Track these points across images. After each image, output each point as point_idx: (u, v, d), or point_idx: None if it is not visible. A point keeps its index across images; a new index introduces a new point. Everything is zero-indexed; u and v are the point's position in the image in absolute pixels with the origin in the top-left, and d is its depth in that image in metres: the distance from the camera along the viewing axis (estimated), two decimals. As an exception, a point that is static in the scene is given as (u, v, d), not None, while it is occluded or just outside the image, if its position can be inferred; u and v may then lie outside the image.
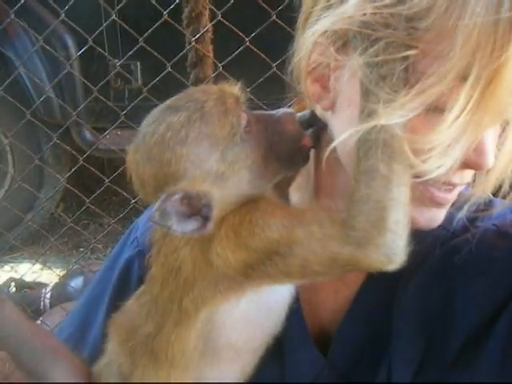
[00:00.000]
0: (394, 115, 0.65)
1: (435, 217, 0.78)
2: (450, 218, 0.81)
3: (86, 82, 2.38)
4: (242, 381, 0.82)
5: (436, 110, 0.66)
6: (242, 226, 0.70)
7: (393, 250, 0.66)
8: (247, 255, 0.70)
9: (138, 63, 3.31)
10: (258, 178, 0.74)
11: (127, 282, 0.99)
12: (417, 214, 0.76)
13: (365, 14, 0.66)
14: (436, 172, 0.68)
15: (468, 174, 0.76)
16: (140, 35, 2.04)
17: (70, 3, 2.22)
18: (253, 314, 0.78)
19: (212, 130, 0.72)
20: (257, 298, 0.76)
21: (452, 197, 0.77)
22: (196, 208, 0.69)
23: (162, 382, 0.81)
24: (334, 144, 0.72)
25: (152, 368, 0.80)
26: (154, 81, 1.90)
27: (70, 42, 3.26)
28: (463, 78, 0.63)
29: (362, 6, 0.67)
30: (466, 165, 0.71)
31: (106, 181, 2.16)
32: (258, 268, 0.70)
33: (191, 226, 0.69)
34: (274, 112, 0.79)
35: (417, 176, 0.68)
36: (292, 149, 0.77)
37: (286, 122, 0.78)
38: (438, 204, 0.76)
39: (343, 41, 0.72)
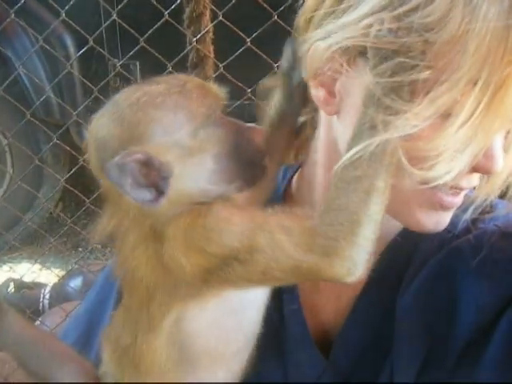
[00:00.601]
0: (407, 126, 0.65)
1: (442, 220, 0.79)
2: (453, 219, 0.81)
3: (85, 81, 2.37)
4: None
5: (444, 114, 0.66)
6: (194, 229, 0.68)
7: (356, 265, 0.66)
8: (203, 260, 0.67)
9: (138, 63, 3.30)
10: (218, 172, 0.72)
11: None
12: (424, 217, 0.77)
13: (380, 30, 0.65)
14: (445, 178, 0.68)
15: (475, 178, 0.76)
16: (140, 35, 2.04)
17: (70, 3, 2.21)
18: (225, 318, 0.76)
19: (189, 105, 0.70)
20: (225, 302, 0.74)
21: (459, 200, 0.77)
22: (154, 179, 0.67)
23: (161, 382, 0.80)
24: (345, 158, 0.68)
25: (137, 378, 0.79)
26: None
27: (69, 41, 3.25)
28: (473, 83, 0.63)
29: (371, 19, 0.67)
30: (475, 169, 0.72)
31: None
32: (215, 273, 0.68)
33: (144, 195, 0.67)
34: (247, 124, 0.78)
35: (425, 182, 0.69)
36: (253, 158, 0.76)
37: (256, 134, 0.77)
38: (446, 208, 0.77)
39: (355, 54, 0.71)
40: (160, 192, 0.68)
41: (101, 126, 0.72)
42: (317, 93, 0.77)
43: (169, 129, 0.69)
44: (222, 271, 0.67)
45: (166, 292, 0.72)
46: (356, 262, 0.66)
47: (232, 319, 0.77)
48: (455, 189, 0.75)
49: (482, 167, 0.72)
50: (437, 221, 0.78)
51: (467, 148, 0.66)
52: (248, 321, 0.79)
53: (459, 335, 0.81)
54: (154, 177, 0.67)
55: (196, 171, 0.71)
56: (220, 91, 0.76)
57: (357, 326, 0.88)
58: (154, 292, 0.72)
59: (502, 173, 0.75)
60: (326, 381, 0.88)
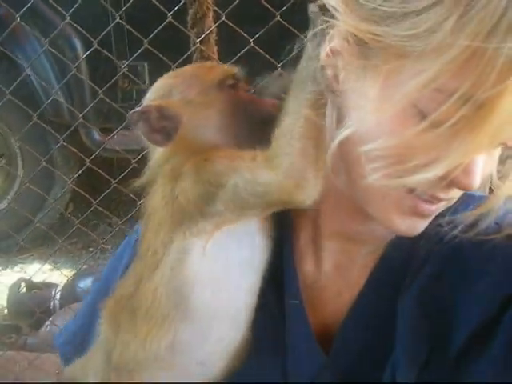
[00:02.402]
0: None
1: (416, 226, 0.78)
2: (454, 217, 0.80)
3: (91, 84, 2.38)
4: (222, 354, 0.83)
5: (419, 114, 0.67)
6: (201, 162, 0.78)
7: (303, 176, 0.73)
8: (201, 188, 0.77)
9: (146, 64, 3.33)
10: (223, 129, 0.83)
11: None
12: (398, 220, 0.76)
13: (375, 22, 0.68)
14: (409, 182, 0.69)
15: (453, 191, 0.75)
16: (147, 36, 2.06)
17: (78, 5, 2.23)
18: (223, 271, 0.80)
19: (201, 73, 0.86)
20: (224, 253, 0.80)
21: (436, 209, 0.77)
22: (165, 126, 0.81)
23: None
24: (336, 141, 0.74)
25: (131, 330, 0.82)
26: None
27: (78, 43, 3.28)
28: (449, 93, 0.63)
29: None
30: (452, 183, 0.71)
31: (113, 182, 2.17)
32: (210, 203, 0.76)
33: (155, 137, 0.81)
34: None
35: (393, 179, 0.69)
36: (259, 123, 0.83)
37: (267, 105, 0.86)
38: (420, 214, 0.76)
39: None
40: (168, 137, 0.81)
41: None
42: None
43: (182, 90, 0.83)
44: (214, 200, 0.76)
45: (170, 225, 0.80)
46: (302, 171, 0.73)
47: (230, 275, 0.81)
48: (433, 198, 0.74)
49: (458, 181, 0.71)
50: (410, 225, 0.77)
51: (440, 159, 0.66)
52: (246, 282, 0.82)
53: (460, 333, 0.80)
54: (166, 124, 0.80)
55: (201, 124, 0.82)
56: (234, 68, 0.87)
57: (357, 325, 0.88)
58: (161, 227, 0.80)
59: None
60: (325, 377, 0.88)
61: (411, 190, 0.72)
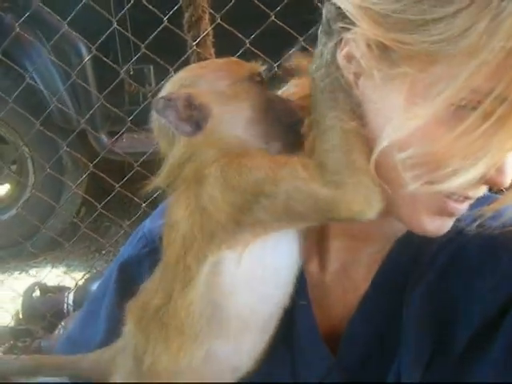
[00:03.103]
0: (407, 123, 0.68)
1: (444, 225, 0.78)
2: (460, 217, 0.80)
3: (93, 90, 2.40)
4: (251, 360, 0.82)
5: (455, 116, 0.67)
6: (231, 167, 0.74)
7: (369, 190, 0.70)
8: (235, 196, 0.73)
9: (151, 67, 3.34)
10: (253, 124, 0.78)
11: (130, 276, 0.99)
12: (427, 221, 0.77)
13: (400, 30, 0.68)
14: (450, 186, 0.69)
15: (482, 189, 0.76)
16: (153, 39, 2.06)
17: (81, 10, 2.25)
18: (256, 281, 0.78)
19: (230, 66, 0.83)
20: (258, 262, 0.77)
21: (464, 207, 0.77)
22: (194, 116, 0.77)
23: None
24: (375, 153, 0.72)
25: (163, 341, 0.80)
26: (160, 84, 1.91)
27: (83, 48, 3.31)
28: (485, 95, 0.64)
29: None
30: (484, 181, 0.72)
31: (117, 186, 2.19)
32: (247, 212, 0.73)
33: (183, 127, 0.77)
34: None
35: (431, 188, 0.70)
36: (289, 121, 0.81)
37: (291, 103, 0.83)
38: (450, 214, 0.77)
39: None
40: (198, 127, 0.77)
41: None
42: None
43: (211, 81, 0.80)
44: (251, 209, 0.72)
45: (202, 239, 0.76)
46: (368, 187, 0.70)
47: (264, 285, 0.79)
48: (461, 197, 0.75)
49: (490, 179, 0.72)
50: (439, 225, 0.78)
51: (478, 160, 0.66)
52: (277, 290, 0.80)
53: (464, 333, 0.80)
54: (195, 114, 0.77)
55: (232, 116, 0.78)
56: (261, 66, 0.85)
57: (364, 324, 0.88)
58: (192, 242, 0.76)
59: None
60: (332, 377, 0.88)
61: (448, 195, 0.73)
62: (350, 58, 0.74)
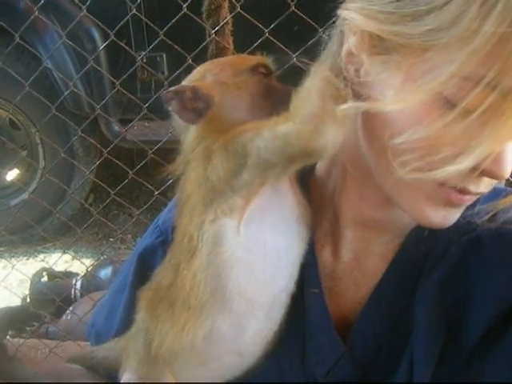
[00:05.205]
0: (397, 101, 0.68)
1: (449, 217, 0.77)
2: (474, 209, 0.80)
3: (108, 76, 2.39)
4: (256, 348, 0.83)
5: (446, 104, 0.66)
6: (230, 138, 0.79)
7: (334, 128, 0.71)
8: (230, 162, 0.77)
9: (164, 55, 3.33)
10: (255, 109, 0.83)
11: (146, 266, 1.00)
12: (431, 212, 0.76)
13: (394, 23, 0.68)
14: (442, 175, 0.67)
15: (485, 183, 0.75)
16: (165, 27, 2.06)
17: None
18: (256, 256, 0.79)
19: (235, 59, 0.90)
20: (257, 236, 0.79)
21: (468, 199, 0.76)
22: (197, 106, 0.83)
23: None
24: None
25: (169, 320, 0.81)
26: (176, 73, 1.90)
27: (96, 34, 3.30)
28: (477, 81, 0.63)
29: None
30: (482, 173, 0.70)
31: (130, 173, 2.19)
32: (238, 175, 0.76)
33: (188, 116, 0.83)
34: None
35: (423, 172, 0.68)
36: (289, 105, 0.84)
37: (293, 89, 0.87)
38: (454, 204, 0.75)
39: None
40: (200, 115, 0.83)
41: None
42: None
43: (215, 73, 0.85)
44: (241, 172, 0.76)
45: (203, 207, 0.79)
46: (332, 123, 0.71)
47: (265, 259, 0.79)
48: (463, 191, 0.74)
49: (489, 172, 0.70)
50: (444, 216, 0.77)
51: (470, 149, 0.65)
52: (281, 272, 0.81)
53: (476, 327, 0.80)
54: (198, 104, 0.82)
55: (234, 104, 0.84)
56: (267, 59, 0.88)
57: (375, 315, 0.87)
58: (194, 211, 0.81)
59: None
60: (343, 366, 0.88)
61: (442, 184, 0.71)
62: (350, 55, 0.75)
